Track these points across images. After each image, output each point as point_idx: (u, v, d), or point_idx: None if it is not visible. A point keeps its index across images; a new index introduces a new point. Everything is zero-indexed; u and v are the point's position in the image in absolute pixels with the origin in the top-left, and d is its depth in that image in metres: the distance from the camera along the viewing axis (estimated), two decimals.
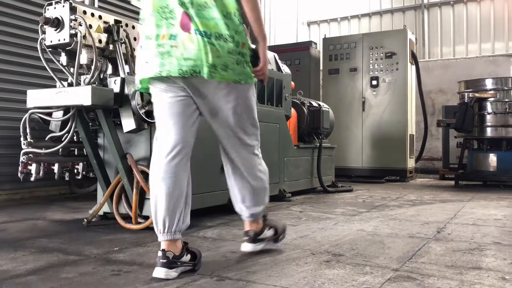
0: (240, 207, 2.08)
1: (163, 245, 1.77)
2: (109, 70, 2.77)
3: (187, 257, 1.80)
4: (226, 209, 3.32)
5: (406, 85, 6.36)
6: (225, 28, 1.73)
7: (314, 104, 5.04)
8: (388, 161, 6.37)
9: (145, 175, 2.69)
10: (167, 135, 1.84)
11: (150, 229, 2.63)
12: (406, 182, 6.26)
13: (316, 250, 2.17)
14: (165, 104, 1.82)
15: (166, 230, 1.78)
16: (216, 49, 1.71)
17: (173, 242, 1.78)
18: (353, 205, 3.90)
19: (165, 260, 1.72)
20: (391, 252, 2.13)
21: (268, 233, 2.13)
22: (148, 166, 2.67)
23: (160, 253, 1.74)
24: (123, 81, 2.57)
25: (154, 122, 2.58)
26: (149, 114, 2.60)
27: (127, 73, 2.71)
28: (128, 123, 2.56)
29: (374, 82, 6.49)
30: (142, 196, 2.73)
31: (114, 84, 2.57)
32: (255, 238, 2.08)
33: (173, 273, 1.72)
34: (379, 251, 2.15)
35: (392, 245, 2.28)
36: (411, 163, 6.58)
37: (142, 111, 2.54)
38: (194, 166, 3.03)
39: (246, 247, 2.08)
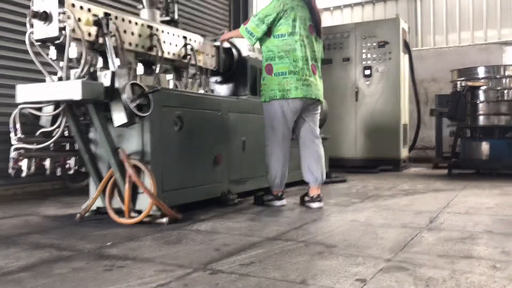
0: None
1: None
2: (99, 63, 2.74)
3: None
4: (220, 202, 3.35)
5: (399, 75, 6.36)
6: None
7: None
8: (381, 151, 6.39)
9: (137, 170, 2.69)
10: None
11: (143, 223, 2.64)
12: (400, 172, 6.30)
13: (309, 241, 2.18)
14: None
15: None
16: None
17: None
18: (346, 195, 3.92)
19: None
20: (384, 242, 2.15)
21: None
22: (140, 160, 2.68)
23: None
24: (113, 75, 2.55)
25: (145, 116, 2.60)
26: (140, 107, 2.59)
27: (118, 66, 2.69)
28: (119, 117, 2.55)
29: (367, 72, 6.49)
30: (135, 190, 2.72)
31: (104, 78, 2.55)
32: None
33: None
34: (372, 241, 2.17)
35: (385, 235, 2.29)
36: (404, 153, 6.61)
37: (133, 105, 2.52)
38: (187, 159, 3.06)
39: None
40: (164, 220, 2.65)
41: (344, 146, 6.56)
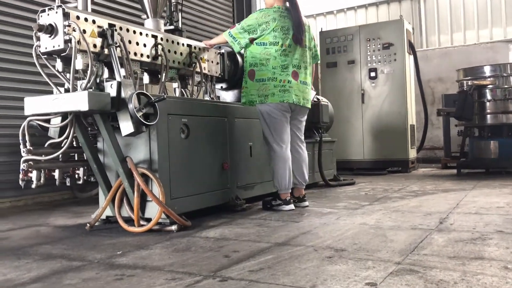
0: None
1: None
2: (105, 74, 2.76)
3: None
4: (228, 208, 3.35)
5: (404, 76, 6.34)
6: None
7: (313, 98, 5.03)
8: (389, 152, 6.36)
9: (145, 178, 2.70)
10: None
11: (152, 231, 2.65)
12: (408, 173, 6.26)
13: (318, 246, 2.17)
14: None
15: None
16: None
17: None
18: (355, 198, 3.90)
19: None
20: (394, 245, 2.13)
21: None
22: (148, 169, 2.69)
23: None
24: (119, 85, 2.56)
25: (152, 125, 2.61)
26: (147, 117, 2.60)
27: (123, 76, 2.71)
28: (126, 126, 2.56)
29: (373, 74, 6.47)
30: (144, 199, 2.73)
31: (111, 88, 2.57)
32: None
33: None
34: (381, 244, 2.15)
35: (394, 238, 2.28)
36: (412, 153, 6.57)
37: (139, 114, 2.54)
38: (195, 166, 3.06)
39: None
40: (173, 227, 2.65)
41: (351, 148, 6.54)
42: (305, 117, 3.61)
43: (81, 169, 2.86)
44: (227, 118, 3.44)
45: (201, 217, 3.09)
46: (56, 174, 2.74)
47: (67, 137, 2.65)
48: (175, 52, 3.29)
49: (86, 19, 2.63)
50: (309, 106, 3.55)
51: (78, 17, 2.59)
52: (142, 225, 2.68)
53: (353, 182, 5.13)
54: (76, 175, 2.86)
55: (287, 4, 3.40)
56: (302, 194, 3.54)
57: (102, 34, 2.69)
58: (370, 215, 3.01)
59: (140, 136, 2.73)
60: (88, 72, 2.58)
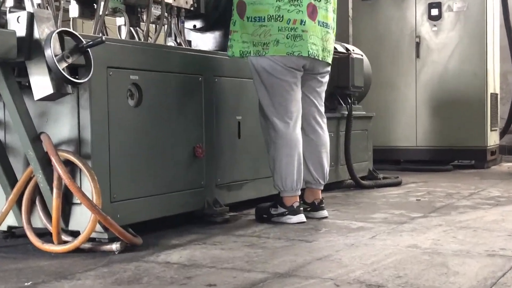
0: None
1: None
2: (10, 1, 2.72)
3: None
4: (202, 218, 3.35)
5: (485, 16, 6.34)
6: None
7: (339, 48, 5.01)
8: (457, 137, 6.40)
9: (71, 167, 2.68)
10: None
11: (81, 251, 2.64)
12: (486, 169, 6.30)
13: (342, 279, 2.18)
14: None
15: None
16: None
17: None
18: (401, 207, 3.91)
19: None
20: (460, 280, 2.14)
21: None
22: (75, 153, 2.67)
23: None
24: (31, 19, 2.53)
25: (83, 83, 2.58)
26: (75, 70, 2.58)
27: (37, 5, 2.67)
28: (41, 85, 2.54)
29: (434, 12, 6.47)
30: (68, 201, 2.72)
31: (17, 23, 2.54)
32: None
33: None
34: (440, 279, 2.16)
35: (460, 270, 2.29)
36: (493, 139, 6.60)
37: (62, 66, 2.51)
38: (150, 151, 3.05)
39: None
40: (115, 246, 2.65)
41: (397, 129, 6.56)
42: (327, 77, 3.62)
43: None
44: (202, 77, 3.42)
45: (159, 231, 3.08)
46: None
47: None
48: None
49: None
50: (330, 61, 3.55)
51: None
52: (66, 242, 2.67)
53: (399, 181, 5.14)
54: None
55: None
56: (318, 198, 3.55)
57: None
58: (424, 233, 3.02)
59: (64, 101, 2.70)
60: None
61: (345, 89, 4.85)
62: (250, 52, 3.35)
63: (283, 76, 3.34)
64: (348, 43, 5.98)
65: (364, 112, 5.31)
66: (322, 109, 3.62)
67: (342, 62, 4.79)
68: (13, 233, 2.94)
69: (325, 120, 3.63)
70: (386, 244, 2.78)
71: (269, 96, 3.37)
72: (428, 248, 2.67)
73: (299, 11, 3.32)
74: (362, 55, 5.16)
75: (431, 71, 6.49)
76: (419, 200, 4.22)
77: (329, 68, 3.60)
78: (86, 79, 2.59)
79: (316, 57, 3.39)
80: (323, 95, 3.64)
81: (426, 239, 2.86)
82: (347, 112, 4.88)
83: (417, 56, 6.53)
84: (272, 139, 3.39)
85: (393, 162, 6.49)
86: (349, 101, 4.91)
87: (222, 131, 3.57)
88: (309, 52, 3.34)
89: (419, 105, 6.53)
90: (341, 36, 6.95)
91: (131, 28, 3.44)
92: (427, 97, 6.51)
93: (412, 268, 2.33)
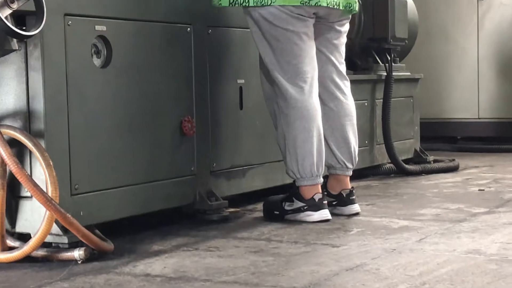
0: None
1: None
2: None
3: None
4: (192, 216, 3.36)
5: None
6: None
7: None
8: None
9: (19, 149, 2.69)
10: None
11: (33, 260, 2.65)
12: None
13: None
14: None
15: None
16: None
17: None
18: (458, 199, 3.93)
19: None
20: None
21: None
22: (23, 130, 2.68)
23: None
24: None
25: (31, 36, 2.58)
26: (22, 19, 2.57)
27: None
28: None
29: None
30: (15, 193, 2.74)
31: None
32: None
33: None
34: None
35: None
36: None
37: (5, 13, 2.51)
38: (120, 130, 3.04)
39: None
40: (77, 254, 2.66)
41: (453, 96, 6.57)
42: (347, 25, 3.62)
43: None
44: (191, 27, 3.43)
45: (137, 233, 3.11)
46: None
47: None
48: None
49: None
50: (356, 9, 3.55)
51: None
52: (12, 248, 2.68)
53: (456, 166, 5.17)
54: None
55: None
56: (347, 188, 3.59)
57: None
58: (490, 234, 3.03)
59: (7, 60, 2.72)
60: None
61: (383, 42, 4.85)
62: (248, 1, 3.34)
63: (290, 25, 3.34)
64: None
65: (409, 73, 5.29)
66: (343, 68, 3.64)
67: (378, 6, 4.78)
68: None
69: (347, 83, 3.64)
70: (439, 249, 2.79)
71: (274, 54, 3.37)
72: (495, 255, 2.68)
73: None
74: None
75: (499, 17, 6.47)
76: (483, 190, 4.22)
77: (349, 17, 3.62)
78: (36, 31, 2.58)
79: (333, 7, 3.39)
80: (343, 48, 3.65)
81: (492, 243, 2.87)
82: (385, 73, 4.89)
83: None
84: (282, 110, 3.39)
85: (448, 140, 6.49)
86: (389, 58, 4.93)
87: (219, 100, 3.58)
88: (328, 2, 3.34)
89: (482, 63, 6.51)
90: None
91: None
92: (493, 53, 6.49)
93: (474, 280, 2.33)
